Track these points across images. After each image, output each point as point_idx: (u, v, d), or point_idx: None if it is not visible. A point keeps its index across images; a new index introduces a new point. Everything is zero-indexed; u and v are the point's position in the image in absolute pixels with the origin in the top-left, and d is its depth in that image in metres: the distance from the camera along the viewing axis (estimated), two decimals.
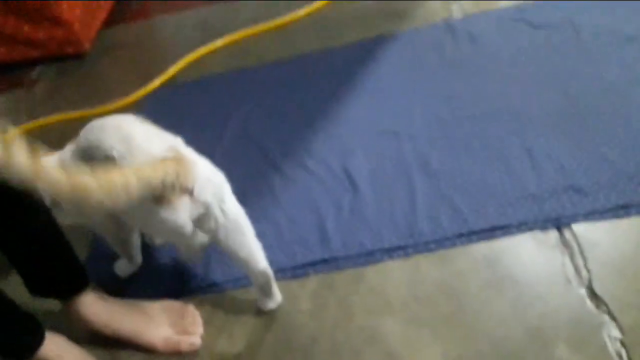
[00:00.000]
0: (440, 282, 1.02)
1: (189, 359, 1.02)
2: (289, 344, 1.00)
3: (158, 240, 1.19)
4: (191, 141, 1.46)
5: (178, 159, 0.90)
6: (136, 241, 1.14)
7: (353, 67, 1.52)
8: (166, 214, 0.88)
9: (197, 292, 1.12)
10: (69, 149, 1.03)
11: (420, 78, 1.43)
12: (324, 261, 1.10)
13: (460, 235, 1.07)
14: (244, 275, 1.11)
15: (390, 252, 1.08)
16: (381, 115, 1.36)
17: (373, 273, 1.07)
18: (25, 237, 0.94)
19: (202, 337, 1.04)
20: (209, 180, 0.93)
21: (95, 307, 1.03)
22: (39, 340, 0.96)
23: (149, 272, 1.17)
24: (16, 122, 1.78)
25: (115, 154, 0.90)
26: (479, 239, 1.06)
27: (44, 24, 1.93)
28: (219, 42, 1.80)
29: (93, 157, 0.94)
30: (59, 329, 1.01)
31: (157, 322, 1.05)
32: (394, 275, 1.06)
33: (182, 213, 0.90)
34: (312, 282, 1.09)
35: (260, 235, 1.17)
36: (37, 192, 0.89)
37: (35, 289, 1.01)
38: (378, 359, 0.95)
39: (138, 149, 0.92)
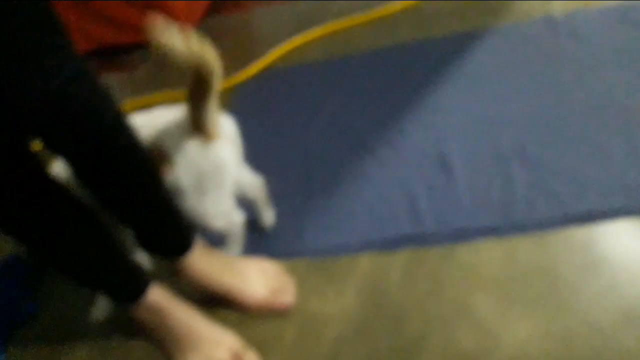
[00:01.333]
0: (534, 263, 1.03)
1: (282, 317, 1.07)
2: (378, 310, 1.03)
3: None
4: (285, 123, 1.54)
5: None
6: None
7: (449, 57, 1.55)
8: (212, 152, 1.03)
9: (291, 256, 1.16)
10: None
11: (519, 70, 1.44)
12: (415, 237, 1.12)
13: (558, 220, 1.07)
14: (338, 243, 1.16)
15: (484, 232, 1.09)
16: (477, 105, 1.37)
17: (464, 251, 1.08)
18: (136, 201, 0.97)
19: (295, 298, 1.08)
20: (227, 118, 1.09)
21: (198, 263, 1.06)
22: (143, 286, 1.01)
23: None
24: (120, 99, 1.90)
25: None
26: (576, 224, 1.05)
27: (150, 10, 2.05)
28: (315, 32, 1.87)
29: None
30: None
31: (253, 281, 1.09)
32: (486, 254, 1.06)
33: (223, 150, 1.04)
34: (403, 256, 1.11)
35: (352, 213, 1.22)
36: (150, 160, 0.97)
37: (144, 245, 1.06)
38: (467, 329, 0.96)
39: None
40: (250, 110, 1.62)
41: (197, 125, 1.03)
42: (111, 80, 2.08)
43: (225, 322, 1.08)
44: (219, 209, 1.09)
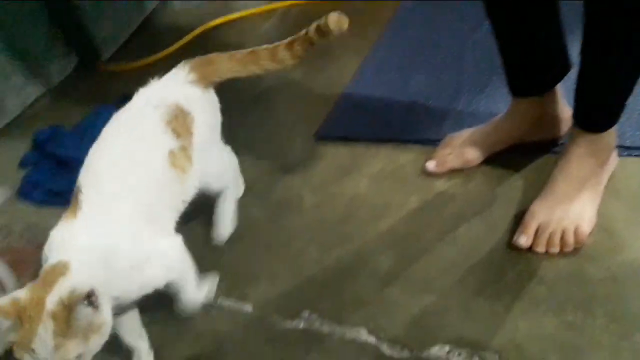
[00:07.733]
0: None
1: (409, 189, 1.12)
2: (500, 198, 1.06)
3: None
4: (438, 46, 1.53)
5: None
6: None
7: None
8: None
9: (429, 143, 1.21)
10: None
11: None
12: None
13: None
14: None
15: (631, 150, 1.06)
16: None
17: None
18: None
19: None
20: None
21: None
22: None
23: None
24: None
25: None
26: None
27: None
28: None
29: None
30: None
31: None
32: (628, 169, 1.03)
33: None
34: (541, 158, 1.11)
35: (493, 115, 1.21)
36: None
37: (520, 87, 1.07)
38: (596, 232, 0.94)
39: None
40: (414, 24, 1.66)
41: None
42: None
43: (356, 189, 1.16)
44: None
